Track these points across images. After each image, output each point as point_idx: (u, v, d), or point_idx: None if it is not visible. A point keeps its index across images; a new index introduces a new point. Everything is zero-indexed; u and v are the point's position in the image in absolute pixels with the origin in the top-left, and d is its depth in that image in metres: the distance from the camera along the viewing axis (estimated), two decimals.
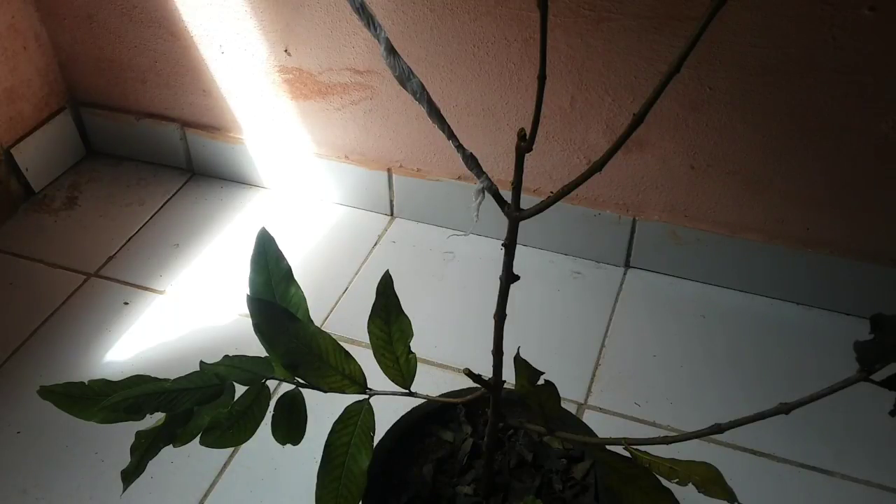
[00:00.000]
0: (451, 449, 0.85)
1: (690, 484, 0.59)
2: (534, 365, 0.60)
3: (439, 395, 0.86)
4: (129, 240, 1.42)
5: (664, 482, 0.61)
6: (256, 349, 0.68)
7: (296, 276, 0.71)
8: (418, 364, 0.72)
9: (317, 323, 0.72)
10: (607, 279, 1.31)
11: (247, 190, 1.52)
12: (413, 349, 0.71)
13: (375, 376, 0.71)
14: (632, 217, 1.27)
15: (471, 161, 0.59)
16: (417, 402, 0.78)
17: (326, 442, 0.68)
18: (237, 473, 1.06)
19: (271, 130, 1.44)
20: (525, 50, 1.16)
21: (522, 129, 0.54)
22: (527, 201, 0.58)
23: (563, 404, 0.73)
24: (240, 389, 0.69)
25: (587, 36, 1.11)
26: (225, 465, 1.06)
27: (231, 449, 1.07)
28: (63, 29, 1.46)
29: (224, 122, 1.47)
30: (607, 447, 0.65)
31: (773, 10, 1.01)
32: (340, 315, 1.27)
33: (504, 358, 0.69)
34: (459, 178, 1.35)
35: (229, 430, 0.67)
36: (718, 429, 0.57)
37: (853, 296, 1.22)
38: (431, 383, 1.15)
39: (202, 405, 0.67)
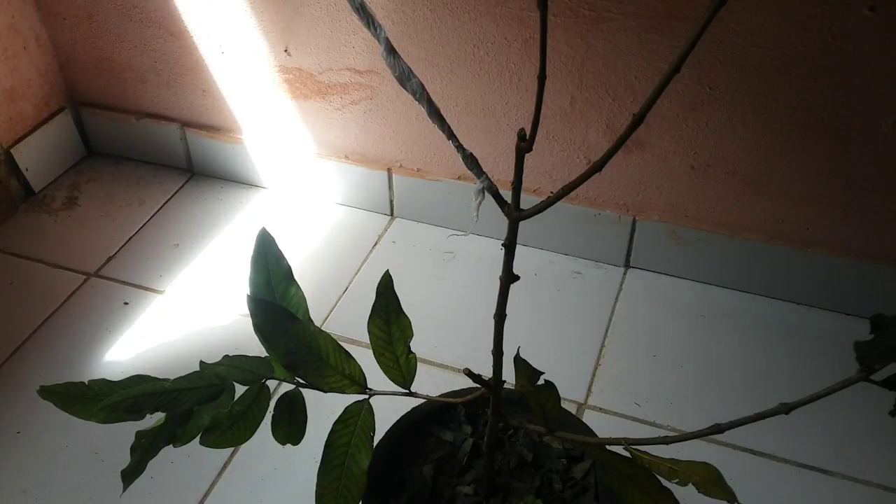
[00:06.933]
0: (451, 449, 0.85)
1: (690, 484, 0.59)
2: (534, 365, 0.60)
3: (439, 395, 0.86)
4: (129, 240, 1.42)
5: (664, 482, 0.61)
6: (256, 349, 0.68)
7: (296, 276, 0.71)
8: (418, 364, 0.72)
9: (317, 323, 0.72)
10: (607, 279, 1.31)
11: (247, 190, 1.52)
12: (413, 349, 0.71)
13: (375, 376, 0.71)
14: (632, 217, 1.27)
15: (471, 161, 0.59)
16: (417, 402, 0.78)
17: (326, 442, 0.68)
18: (237, 473, 1.06)
19: (271, 130, 1.44)
20: (525, 50, 1.16)
21: (522, 129, 0.54)
22: (527, 201, 0.58)
23: (563, 404, 0.73)
24: (240, 389, 0.69)
25: (587, 36, 1.11)
26: (225, 465, 1.06)
27: (231, 449, 1.07)
28: (63, 29, 1.46)
29: (224, 122, 1.47)
30: (607, 447, 0.65)
31: (773, 10, 1.01)
32: (340, 315, 1.27)
33: (504, 358, 0.69)
34: (459, 178, 1.35)
35: (229, 430, 0.67)
36: (718, 429, 0.57)
37: (853, 296, 1.22)
38: (431, 383, 1.15)
39: (202, 405, 0.67)
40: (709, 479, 0.59)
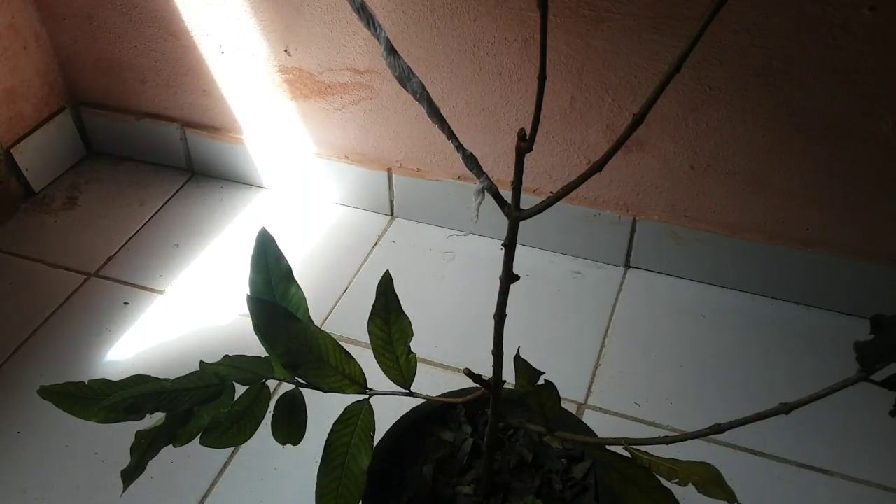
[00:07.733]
0: (451, 449, 0.85)
1: (690, 484, 0.59)
2: (534, 365, 0.60)
3: (439, 395, 0.87)
4: (129, 240, 1.42)
5: (664, 482, 0.61)
6: (256, 349, 0.68)
7: (296, 276, 0.71)
8: (418, 364, 0.72)
9: (317, 323, 0.72)
10: (607, 279, 1.31)
11: (247, 190, 1.52)
12: (413, 349, 0.71)
13: (375, 376, 0.71)
14: (632, 217, 1.27)
15: (471, 161, 0.59)
16: (417, 402, 0.78)
17: (326, 442, 0.68)
18: (237, 473, 1.06)
19: (271, 130, 1.44)
20: (525, 50, 1.16)
21: (522, 129, 0.54)
22: (527, 201, 0.58)
23: (563, 404, 0.73)
24: (240, 389, 0.69)
25: (587, 36, 1.11)
26: (225, 465, 1.06)
27: (231, 449, 1.07)
28: (63, 29, 1.46)
29: (224, 122, 1.47)
30: (607, 447, 0.65)
31: (773, 10, 1.01)
32: (340, 315, 1.27)
33: (504, 358, 0.69)
34: (459, 178, 1.35)
35: (229, 430, 0.67)
36: (718, 429, 0.57)
37: (853, 296, 1.22)
38: (431, 383, 1.15)
39: (202, 405, 0.67)
40: (709, 479, 0.59)
